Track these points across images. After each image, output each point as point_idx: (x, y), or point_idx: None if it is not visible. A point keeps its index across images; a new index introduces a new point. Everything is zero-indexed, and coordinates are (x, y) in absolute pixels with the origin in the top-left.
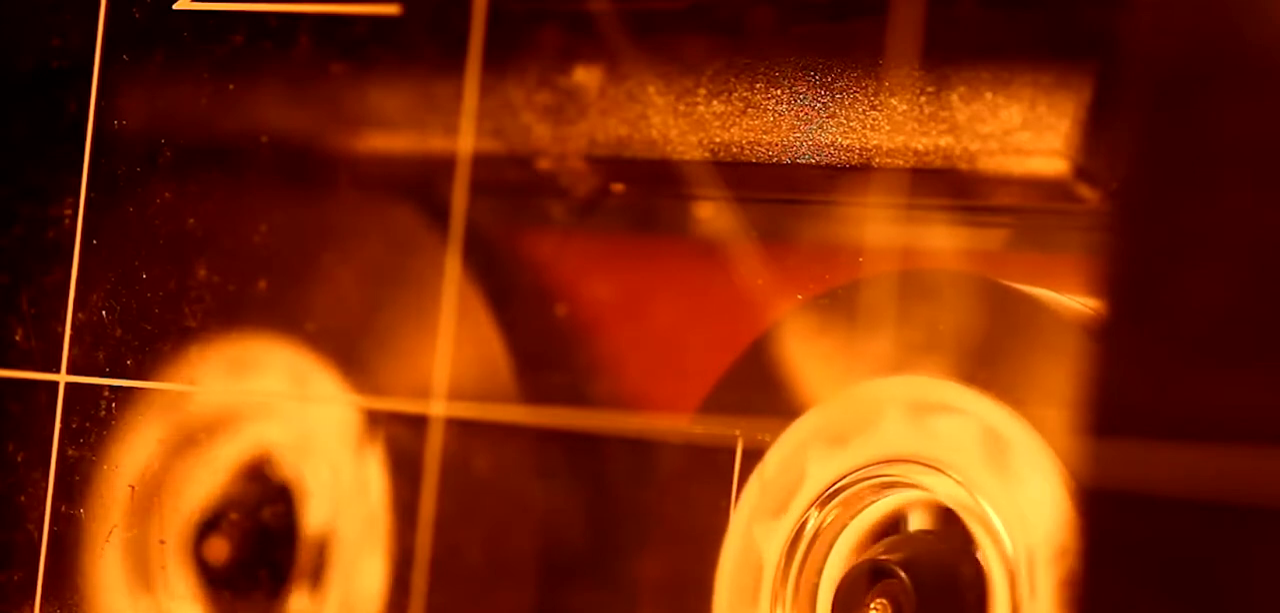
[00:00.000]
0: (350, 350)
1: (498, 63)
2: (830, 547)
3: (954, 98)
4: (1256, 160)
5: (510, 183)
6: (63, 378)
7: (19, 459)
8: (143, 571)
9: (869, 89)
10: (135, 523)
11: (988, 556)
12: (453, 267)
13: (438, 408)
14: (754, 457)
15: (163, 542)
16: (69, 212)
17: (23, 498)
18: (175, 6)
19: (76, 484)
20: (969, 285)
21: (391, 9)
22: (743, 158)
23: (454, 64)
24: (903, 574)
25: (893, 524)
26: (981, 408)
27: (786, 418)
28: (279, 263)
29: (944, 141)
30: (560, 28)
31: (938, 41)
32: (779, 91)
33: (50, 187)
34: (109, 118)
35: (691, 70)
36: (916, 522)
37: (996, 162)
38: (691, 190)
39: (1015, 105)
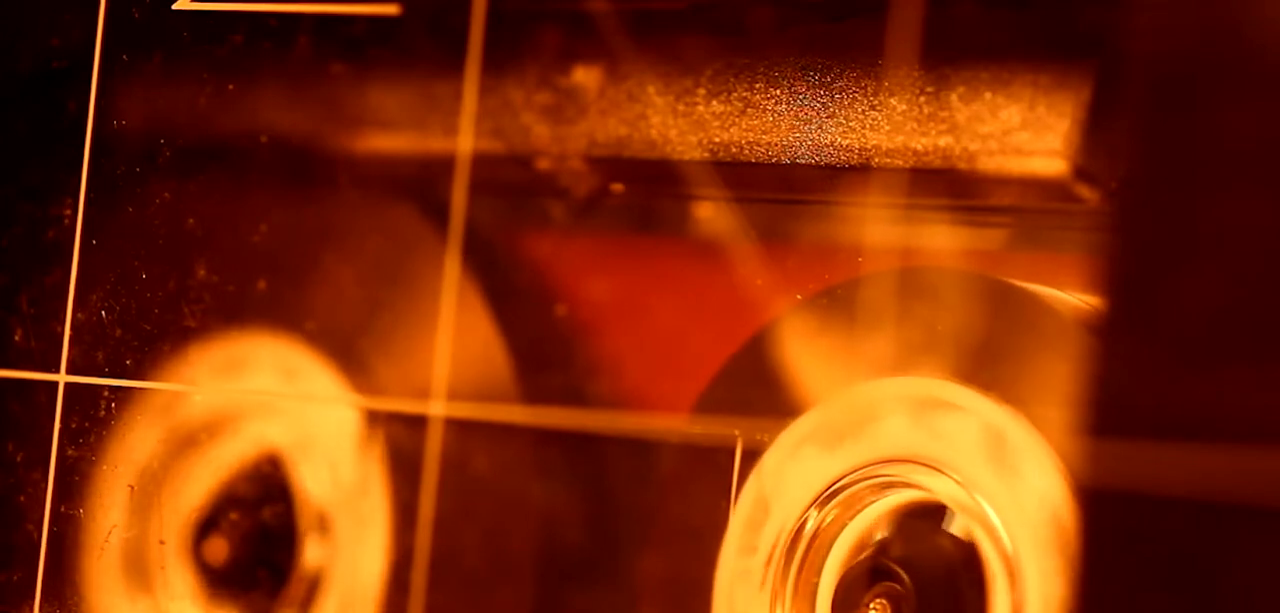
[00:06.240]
0: (350, 350)
1: (498, 63)
2: (830, 547)
3: (954, 98)
4: (1256, 160)
5: (510, 183)
6: (63, 378)
7: (19, 459)
8: (143, 571)
9: (869, 89)
10: (135, 523)
11: (988, 555)
12: (453, 267)
13: (438, 408)
14: (753, 456)
15: (163, 542)
16: (69, 212)
17: (23, 498)
18: (175, 6)
19: (76, 484)
20: (969, 285)
21: (391, 9)
22: (742, 158)
23: (454, 64)
24: (903, 574)
25: (892, 524)
26: (980, 407)
27: (785, 418)
28: (279, 263)
29: (944, 141)
30: (560, 28)
31: (938, 41)
32: (779, 91)
33: (50, 187)
34: (109, 118)
35: (691, 70)
36: (920, 521)
37: (996, 162)
38: (691, 190)
39: (1015, 105)
